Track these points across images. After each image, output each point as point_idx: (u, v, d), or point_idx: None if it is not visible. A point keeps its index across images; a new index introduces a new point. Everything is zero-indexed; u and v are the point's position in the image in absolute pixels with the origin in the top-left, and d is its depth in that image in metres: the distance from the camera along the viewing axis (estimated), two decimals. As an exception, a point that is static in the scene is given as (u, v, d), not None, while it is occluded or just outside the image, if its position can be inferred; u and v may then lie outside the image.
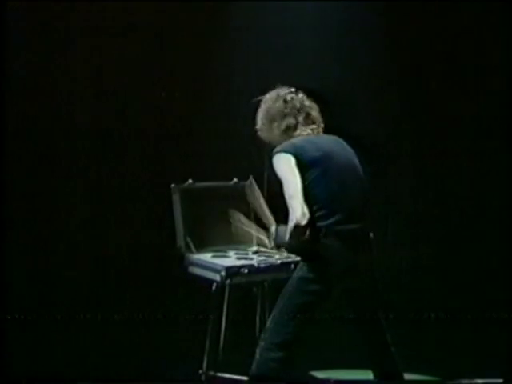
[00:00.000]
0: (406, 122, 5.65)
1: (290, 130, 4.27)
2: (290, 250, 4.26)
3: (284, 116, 4.27)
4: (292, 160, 4.03)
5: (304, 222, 3.83)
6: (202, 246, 4.90)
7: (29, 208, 5.37)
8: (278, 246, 4.42)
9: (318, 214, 4.00)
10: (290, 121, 4.27)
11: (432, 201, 5.71)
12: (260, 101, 4.39)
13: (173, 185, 4.93)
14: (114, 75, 5.46)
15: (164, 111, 5.50)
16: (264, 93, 4.41)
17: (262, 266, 4.74)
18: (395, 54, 5.66)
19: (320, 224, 3.99)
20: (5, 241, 5.18)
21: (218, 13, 5.53)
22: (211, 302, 4.78)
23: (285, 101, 4.30)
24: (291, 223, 3.82)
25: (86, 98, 5.43)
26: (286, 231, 3.85)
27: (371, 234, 4.17)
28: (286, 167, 4.03)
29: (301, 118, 4.28)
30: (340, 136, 4.29)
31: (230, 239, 4.94)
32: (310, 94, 4.36)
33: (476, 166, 5.65)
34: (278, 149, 4.13)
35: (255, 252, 4.96)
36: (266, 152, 4.36)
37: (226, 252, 4.94)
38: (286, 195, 3.93)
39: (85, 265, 5.44)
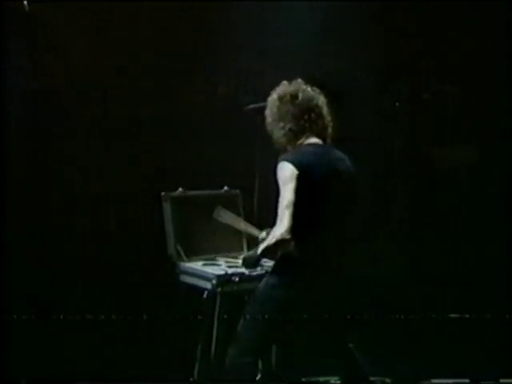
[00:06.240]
0: (404, 122, 5.58)
1: (295, 134, 4.13)
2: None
3: (292, 117, 4.12)
4: (295, 172, 3.97)
5: (288, 236, 3.85)
6: (192, 255, 4.90)
7: (29, 208, 5.39)
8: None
9: (304, 228, 3.97)
10: (299, 123, 4.12)
11: (431, 201, 5.65)
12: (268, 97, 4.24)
13: (163, 193, 4.93)
14: (113, 77, 5.43)
15: (158, 121, 5.46)
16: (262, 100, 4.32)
17: (252, 273, 4.74)
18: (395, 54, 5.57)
19: (303, 237, 3.98)
20: (5, 241, 5.21)
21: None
22: (203, 310, 4.78)
23: (295, 99, 4.12)
24: (275, 235, 3.87)
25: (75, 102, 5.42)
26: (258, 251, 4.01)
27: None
28: (287, 178, 3.97)
29: (309, 122, 4.12)
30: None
31: (221, 247, 4.93)
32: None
33: (476, 165, 5.57)
34: (285, 157, 4.05)
35: (245, 260, 4.95)
36: (257, 161, 4.32)
37: (216, 260, 4.95)
38: (280, 206, 3.92)
39: (84, 266, 5.47)
